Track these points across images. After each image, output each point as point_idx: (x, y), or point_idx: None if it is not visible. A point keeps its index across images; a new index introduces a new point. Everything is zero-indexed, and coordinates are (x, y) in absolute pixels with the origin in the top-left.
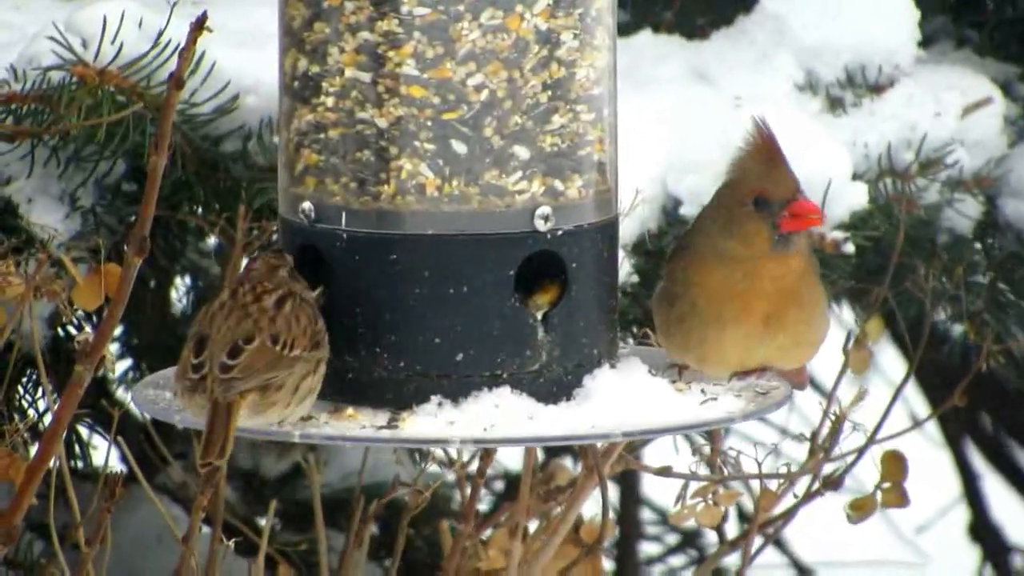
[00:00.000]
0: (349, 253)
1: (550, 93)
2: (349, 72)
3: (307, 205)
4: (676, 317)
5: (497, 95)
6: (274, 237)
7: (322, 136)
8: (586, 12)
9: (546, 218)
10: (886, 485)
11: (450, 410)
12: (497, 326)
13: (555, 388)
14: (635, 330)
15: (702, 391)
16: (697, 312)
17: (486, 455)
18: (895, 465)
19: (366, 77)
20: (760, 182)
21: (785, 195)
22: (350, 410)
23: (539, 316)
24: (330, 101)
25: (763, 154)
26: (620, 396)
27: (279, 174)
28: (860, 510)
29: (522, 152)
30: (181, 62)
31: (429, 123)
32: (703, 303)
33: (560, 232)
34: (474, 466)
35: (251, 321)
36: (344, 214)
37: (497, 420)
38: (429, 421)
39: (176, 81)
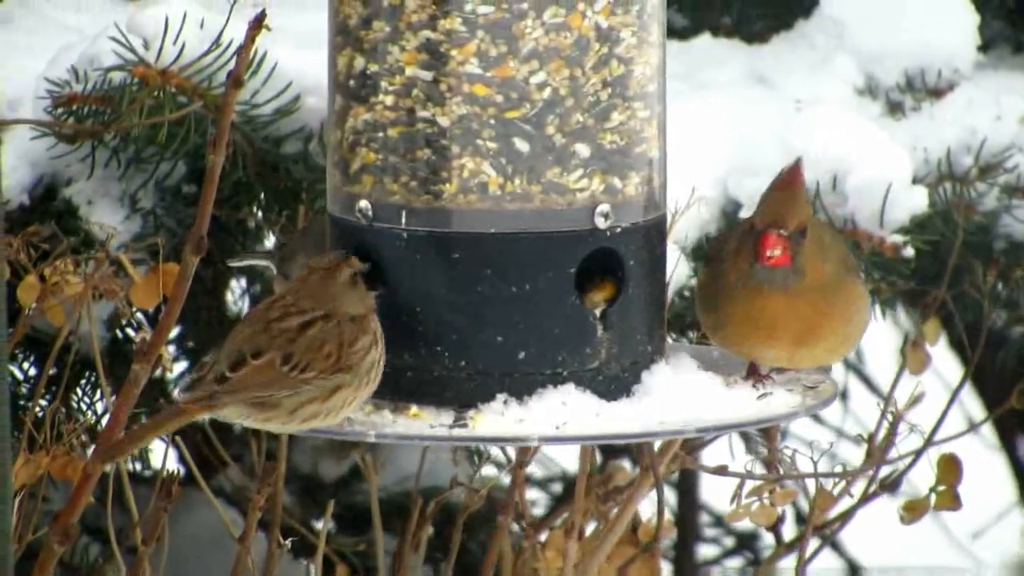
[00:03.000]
0: (409, 252)
1: (610, 91)
2: (410, 71)
3: (364, 204)
4: (711, 326)
5: (559, 93)
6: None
7: (380, 135)
8: (643, 8)
9: (606, 215)
10: (941, 488)
11: (516, 408)
12: (558, 324)
13: (613, 385)
14: (692, 334)
15: (754, 386)
16: (728, 333)
17: (525, 450)
18: (950, 468)
19: (427, 75)
20: (759, 213)
21: (763, 224)
22: (414, 409)
23: (597, 314)
24: (389, 100)
25: (773, 184)
26: (678, 392)
27: (329, 173)
28: (913, 511)
29: (583, 150)
30: (239, 61)
31: (492, 121)
32: (731, 329)
33: (618, 229)
34: (530, 468)
35: (267, 337)
36: (404, 213)
37: (567, 418)
38: (497, 419)
39: (235, 80)
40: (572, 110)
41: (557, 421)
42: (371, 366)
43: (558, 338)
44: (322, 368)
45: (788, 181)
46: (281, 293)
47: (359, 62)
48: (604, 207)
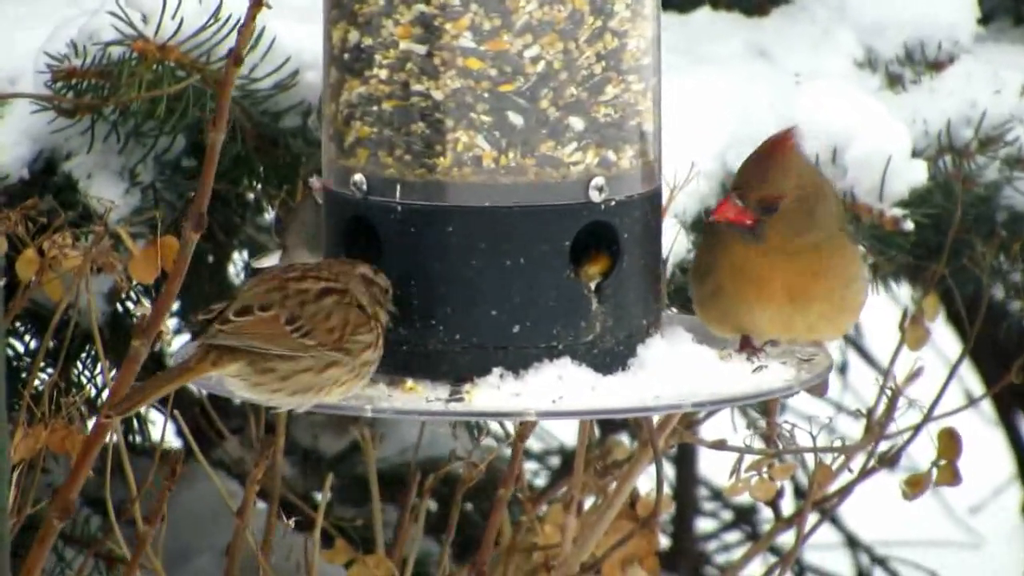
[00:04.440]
0: (404, 225)
1: (604, 64)
2: (404, 44)
3: (358, 177)
4: (710, 293)
5: (553, 66)
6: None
7: (375, 108)
8: None
9: (600, 189)
10: (941, 463)
11: (512, 382)
12: (553, 297)
13: (608, 359)
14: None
15: (748, 359)
16: (725, 292)
17: (524, 423)
18: (950, 443)
19: (421, 49)
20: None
21: (731, 188)
22: (409, 382)
23: (592, 287)
24: (383, 73)
25: (758, 151)
26: (673, 366)
27: (324, 146)
28: (915, 486)
29: (577, 123)
30: (240, 38)
31: (486, 95)
32: (728, 284)
33: (613, 203)
34: (528, 441)
35: (281, 295)
36: (399, 186)
37: (563, 392)
38: (493, 393)
39: (235, 57)
40: (566, 83)
41: (553, 395)
42: (366, 363)
43: (553, 312)
44: (322, 340)
45: (769, 150)
46: (304, 263)
47: (353, 35)
48: (598, 180)
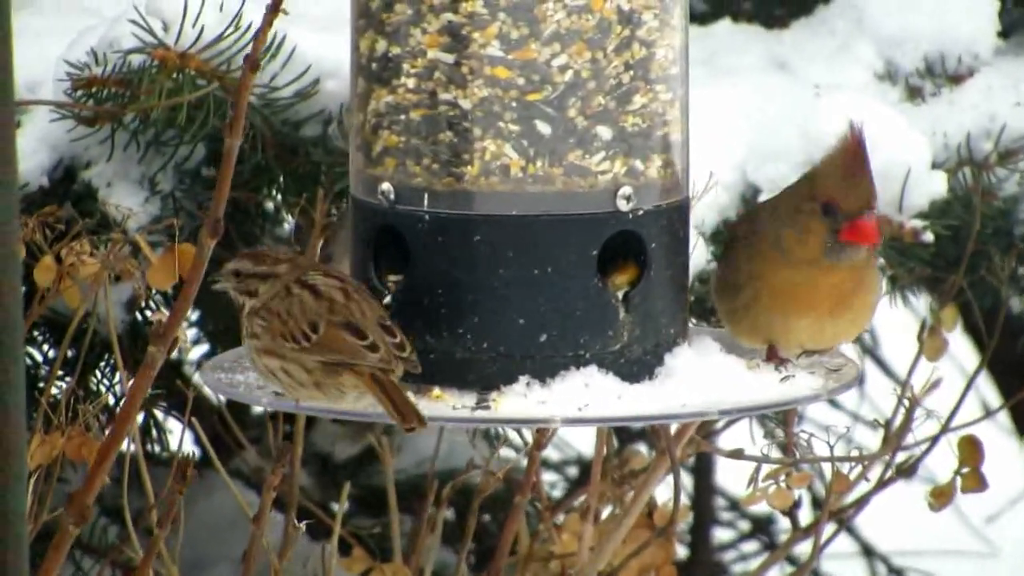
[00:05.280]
0: (431, 234)
1: (632, 73)
2: (432, 53)
3: (386, 187)
4: (742, 305)
5: (581, 75)
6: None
7: (402, 117)
8: None
9: (628, 198)
10: (965, 470)
11: (539, 390)
12: (580, 307)
13: (636, 368)
14: (713, 319)
15: (777, 369)
16: (762, 304)
17: (541, 431)
18: (971, 450)
19: (449, 58)
20: (835, 188)
21: (853, 208)
22: (436, 391)
23: (620, 296)
24: (411, 82)
25: (847, 161)
26: (701, 375)
27: (352, 156)
28: (941, 497)
29: (605, 132)
30: (256, 44)
31: (514, 104)
32: (767, 297)
33: (640, 212)
34: (546, 451)
35: (354, 304)
36: (426, 195)
37: (589, 400)
38: (520, 401)
39: (251, 63)
40: (594, 93)
41: (579, 403)
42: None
43: (580, 320)
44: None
45: (861, 157)
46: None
47: (381, 45)
48: (626, 189)
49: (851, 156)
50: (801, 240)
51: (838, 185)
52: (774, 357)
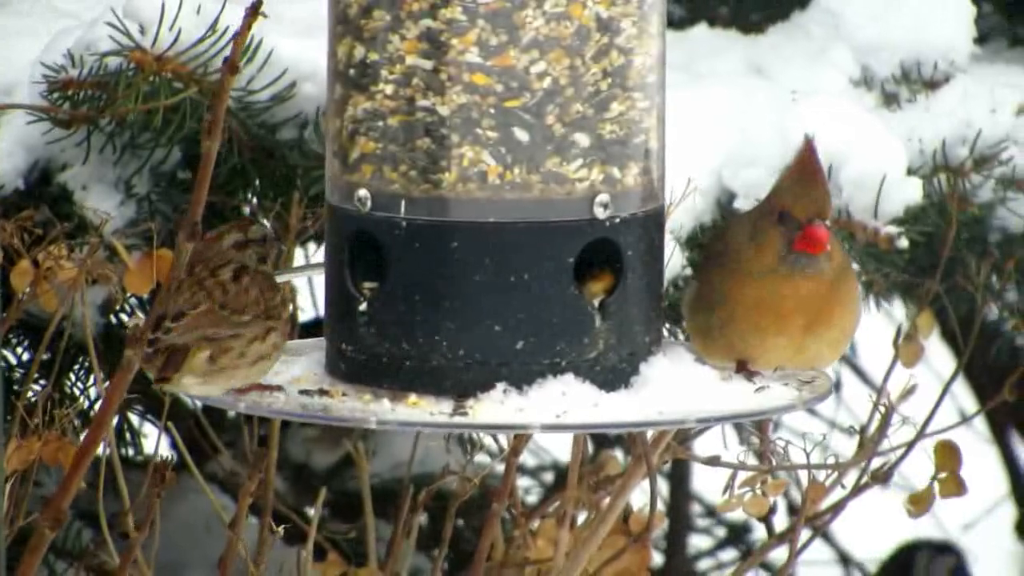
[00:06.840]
0: (408, 241)
1: (610, 81)
2: (410, 60)
3: (363, 193)
4: (717, 323)
5: (559, 83)
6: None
7: (380, 124)
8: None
9: (605, 206)
10: (942, 475)
11: (516, 397)
12: (557, 314)
13: (612, 376)
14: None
15: (749, 380)
16: (736, 322)
17: (518, 438)
18: (949, 454)
19: (427, 65)
20: (789, 197)
21: (806, 215)
22: (412, 397)
23: (596, 304)
24: (389, 89)
25: (799, 171)
26: (676, 384)
27: (328, 162)
28: (919, 504)
29: (582, 140)
30: (235, 47)
31: (492, 111)
32: (740, 315)
33: (617, 220)
34: (522, 457)
35: (203, 292)
36: (403, 202)
37: (566, 407)
38: (497, 408)
39: (230, 66)
40: (572, 100)
41: (557, 411)
42: (287, 321)
43: (557, 328)
44: (255, 312)
45: (813, 166)
46: (190, 262)
47: (359, 51)
48: (603, 197)
49: (804, 165)
50: (759, 250)
51: (791, 193)
52: (744, 370)
